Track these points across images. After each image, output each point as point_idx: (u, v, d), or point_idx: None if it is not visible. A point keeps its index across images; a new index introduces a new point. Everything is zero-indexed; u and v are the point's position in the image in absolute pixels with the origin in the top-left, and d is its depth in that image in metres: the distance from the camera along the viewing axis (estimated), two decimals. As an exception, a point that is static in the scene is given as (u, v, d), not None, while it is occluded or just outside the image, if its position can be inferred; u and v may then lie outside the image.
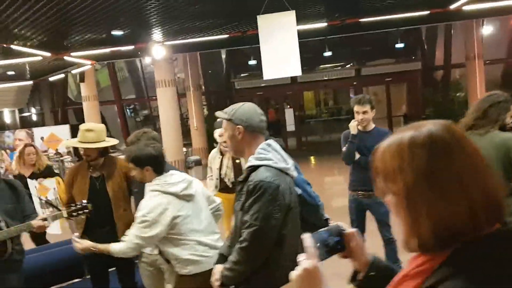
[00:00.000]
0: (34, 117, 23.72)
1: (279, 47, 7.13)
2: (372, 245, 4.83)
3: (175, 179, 2.78)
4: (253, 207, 2.00)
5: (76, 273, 4.17)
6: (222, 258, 2.28)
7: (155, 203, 2.69)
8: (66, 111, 20.81)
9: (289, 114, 16.46)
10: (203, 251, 2.81)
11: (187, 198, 2.80)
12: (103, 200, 3.41)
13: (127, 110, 20.88)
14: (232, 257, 2.05)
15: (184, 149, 13.11)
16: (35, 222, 2.96)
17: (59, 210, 3.23)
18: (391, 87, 16.13)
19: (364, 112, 4.17)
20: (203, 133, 14.67)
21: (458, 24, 17.90)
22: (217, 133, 4.52)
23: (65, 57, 11.56)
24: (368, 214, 4.34)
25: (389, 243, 4.25)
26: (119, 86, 19.27)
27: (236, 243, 2.10)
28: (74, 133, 17.65)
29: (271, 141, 2.19)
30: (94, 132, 3.41)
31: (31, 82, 18.11)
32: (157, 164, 2.77)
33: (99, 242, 3.39)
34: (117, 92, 18.92)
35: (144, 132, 3.28)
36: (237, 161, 5.09)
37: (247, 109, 2.17)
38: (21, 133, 16.84)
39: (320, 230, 1.16)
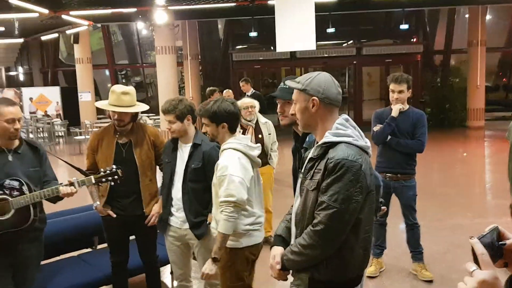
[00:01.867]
0: (21, 77, 22.94)
1: (295, 19, 6.87)
2: (393, 229, 4.78)
3: (250, 142, 2.75)
4: (332, 187, 1.81)
5: (86, 243, 4.01)
6: (279, 240, 2.10)
7: (238, 163, 2.65)
8: (56, 73, 20.16)
9: (286, 90, 16.21)
10: (256, 223, 2.75)
11: (257, 165, 2.76)
12: (129, 168, 3.19)
13: (119, 75, 20.34)
14: (302, 240, 1.87)
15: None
16: (63, 188, 2.73)
17: (86, 175, 2.99)
18: (390, 69, 15.98)
19: (400, 92, 3.98)
20: (198, 103, 14.38)
21: (461, 10, 17.75)
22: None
23: (63, 16, 11.03)
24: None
25: (412, 228, 4.15)
26: (113, 50, 18.69)
27: (302, 225, 1.92)
28: (65, 95, 17.16)
29: (347, 116, 1.99)
30: (129, 95, 3.17)
31: (21, 40, 17.40)
32: (233, 121, 2.77)
33: (123, 213, 3.26)
34: (111, 56, 18.36)
35: (180, 100, 3.03)
36: (260, 136, 4.89)
37: (323, 79, 1.96)
38: (10, 92, 16.20)
39: (484, 233, 1.03)
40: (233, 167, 2.64)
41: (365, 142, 1.94)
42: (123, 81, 20.93)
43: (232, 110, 2.74)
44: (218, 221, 2.68)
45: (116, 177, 2.91)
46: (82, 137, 12.69)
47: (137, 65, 20.12)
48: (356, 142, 1.89)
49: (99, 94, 18.56)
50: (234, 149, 2.71)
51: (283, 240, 2.09)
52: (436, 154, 10.12)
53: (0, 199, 2.65)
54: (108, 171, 2.90)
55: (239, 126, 4.02)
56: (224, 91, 7.64)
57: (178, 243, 3.17)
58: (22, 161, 2.79)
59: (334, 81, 1.98)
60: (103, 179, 2.89)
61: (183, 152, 3.08)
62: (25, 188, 2.68)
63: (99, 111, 17.08)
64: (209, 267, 2.66)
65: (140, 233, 3.37)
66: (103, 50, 18.65)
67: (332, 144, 1.88)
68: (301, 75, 2.16)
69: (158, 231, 3.35)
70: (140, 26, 18.10)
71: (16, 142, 2.80)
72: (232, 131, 2.78)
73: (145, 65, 19.49)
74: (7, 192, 2.66)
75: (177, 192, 3.07)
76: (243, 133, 4.48)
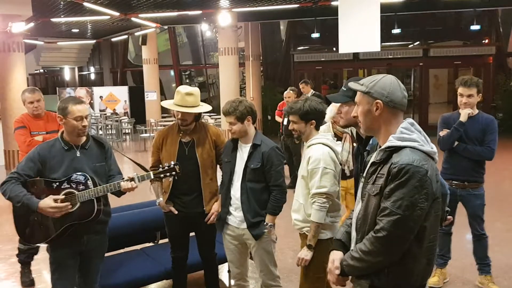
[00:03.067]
0: (93, 76, 24.30)
1: (359, 20, 6.74)
2: (459, 240, 4.55)
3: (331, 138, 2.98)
4: (395, 193, 1.76)
5: (149, 237, 4.15)
6: (339, 245, 2.07)
7: (329, 157, 2.81)
8: (125, 73, 21.14)
9: (347, 92, 15.93)
10: (339, 216, 2.92)
11: (339, 159, 2.93)
12: (192, 166, 3.29)
13: (183, 75, 20.96)
14: (363, 246, 1.83)
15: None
16: (124, 183, 2.85)
17: (146, 170, 3.11)
18: (459, 71, 15.22)
19: (469, 96, 3.78)
20: (258, 103, 14.49)
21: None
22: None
23: (132, 18, 11.55)
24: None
25: (479, 239, 3.93)
26: (178, 51, 19.30)
27: (363, 230, 1.88)
28: (132, 94, 17.96)
29: (412, 120, 1.92)
30: (193, 96, 3.26)
31: (93, 41, 18.43)
32: (320, 119, 2.95)
33: (185, 210, 3.35)
34: (176, 57, 18.97)
35: (240, 102, 3.08)
36: (355, 144, 4.78)
37: (388, 82, 1.91)
38: (82, 91, 17.31)
39: None
40: (325, 160, 2.80)
41: (431, 147, 1.86)
42: (187, 81, 21.55)
43: (320, 109, 2.92)
44: (307, 211, 2.84)
45: (173, 172, 3.00)
46: (147, 134, 13.21)
47: (200, 66, 20.61)
48: (422, 147, 1.82)
49: (164, 94, 19.24)
50: (323, 144, 2.85)
51: (342, 245, 2.06)
52: (507, 161, 9.52)
53: (68, 193, 2.81)
54: (166, 167, 3.00)
55: (333, 134, 3.98)
56: (285, 92, 7.64)
57: (236, 242, 3.21)
58: (89, 156, 2.94)
59: (399, 84, 1.92)
60: (162, 175, 3.00)
61: (243, 152, 3.12)
62: (90, 182, 2.83)
63: (164, 110, 17.69)
64: (304, 253, 2.84)
65: (200, 230, 3.45)
66: (169, 51, 19.30)
67: (396, 149, 1.82)
68: (364, 76, 2.14)
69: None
70: (204, 28, 18.49)
71: (84, 138, 2.96)
72: (318, 128, 2.95)
73: (208, 65, 19.92)
74: (74, 186, 2.82)
75: (236, 191, 3.12)
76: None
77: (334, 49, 15.78)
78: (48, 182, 2.83)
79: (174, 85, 20.60)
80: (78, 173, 2.84)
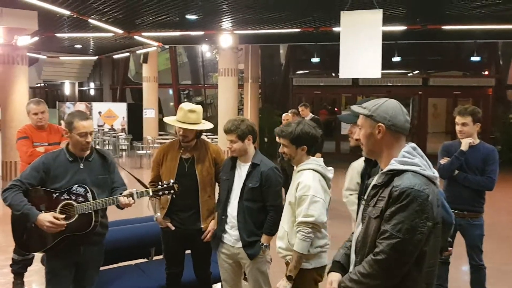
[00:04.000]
0: (92, 92, 24.38)
1: (361, 46, 6.84)
2: (456, 270, 4.52)
3: (323, 164, 2.83)
4: (396, 217, 1.76)
5: (143, 253, 4.12)
6: (338, 267, 2.07)
7: (319, 184, 2.72)
8: (125, 90, 21.26)
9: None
10: (326, 245, 2.79)
11: (329, 187, 2.81)
12: (190, 183, 3.30)
13: (182, 94, 21.08)
14: (362, 269, 1.83)
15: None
16: (122, 199, 2.88)
17: (146, 186, 3.13)
18: (458, 102, 15.40)
19: (464, 124, 3.82)
20: (256, 124, 14.56)
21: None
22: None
23: (135, 36, 11.68)
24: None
25: (477, 270, 3.90)
26: (178, 70, 19.46)
27: (362, 253, 1.89)
28: (130, 111, 18.01)
29: (415, 145, 1.95)
30: (196, 113, 3.30)
31: (95, 58, 18.57)
32: (313, 145, 2.82)
33: (182, 226, 3.34)
34: (175, 76, 19.13)
35: (242, 121, 3.12)
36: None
37: (391, 106, 1.94)
38: (81, 106, 17.40)
39: None
40: (315, 188, 2.69)
41: (433, 172, 1.89)
42: (185, 100, 21.66)
43: (313, 134, 2.80)
44: (291, 240, 2.72)
45: (172, 191, 3.02)
46: (144, 151, 13.22)
47: (199, 86, 20.76)
48: (424, 171, 1.84)
49: (162, 112, 19.30)
50: (314, 170, 2.75)
51: (341, 267, 2.06)
52: (505, 193, 9.55)
53: (67, 204, 2.84)
54: (165, 185, 3.03)
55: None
56: (284, 114, 7.70)
57: (230, 261, 3.20)
58: (92, 169, 2.98)
59: (402, 109, 1.96)
60: (160, 192, 3.02)
61: (241, 171, 3.14)
62: (89, 195, 2.86)
63: (161, 128, 17.73)
64: (283, 284, 2.69)
65: (196, 248, 3.44)
66: (169, 70, 19.47)
67: (398, 172, 1.84)
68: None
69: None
70: (204, 49, 18.74)
71: (88, 151, 3.00)
72: (309, 153, 2.83)
73: (206, 86, 20.08)
74: (73, 197, 2.85)
75: (232, 210, 3.12)
76: None
77: (333, 74, 15.94)
78: (48, 192, 2.86)
79: (172, 103, 20.70)
80: (78, 185, 2.86)
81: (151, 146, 13.49)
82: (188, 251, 3.52)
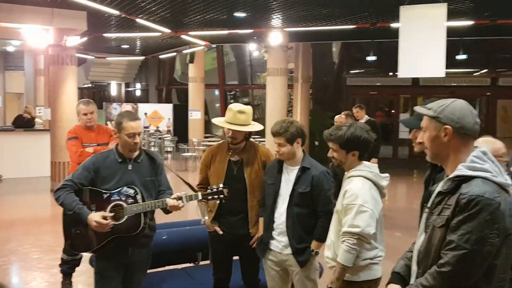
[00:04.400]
0: (138, 93, 25.23)
1: (422, 43, 6.69)
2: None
3: (377, 171, 2.75)
4: (463, 226, 1.71)
5: (190, 257, 4.21)
6: (397, 278, 2.04)
7: (369, 193, 2.65)
8: (170, 90, 21.83)
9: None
10: (377, 257, 2.72)
11: (383, 196, 2.75)
12: (239, 186, 3.34)
13: (228, 95, 21.38)
14: (425, 281, 1.79)
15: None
16: (171, 201, 2.97)
17: (195, 190, 3.21)
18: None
19: None
20: (306, 128, 14.44)
21: None
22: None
23: (182, 36, 11.98)
24: None
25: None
26: (224, 70, 19.75)
27: (425, 264, 1.85)
28: (176, 112, 18.47)
29: (485, 149, 1.89)
30: (245, 114, 3.35)
31: (141, 58, 19.20)
32: (365, 150, 2.76)
33: (229, 231, 3.39)
34: (222, 76, 19.41)
35: (291, 123, 3.13)
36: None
37: (459, 107, 1.88)
38: (127, 107, 18.03)
39: None
40: (364, 197, 2.63)
41: (505, 179, 1.82)
42: (231, 101, 21.95)
43: (365, 138, 2.73)
44: (337, 250, 2.69)
45: (221, 196, 3.08)
46: (189, 154, 13.51)
47: (246, 86, 20.95)
48: (495, 178, 1.78)
49: (207, 113, 19.66)
50: (365, 177, 2.70)
51: (401, 279, 2.04)
52: None
53: (117, 205, 2.96)
54: (214, 189, 3.09)
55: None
56: (336, 117, 7.64)
57: (278, 268, 3.21)
58: (140, 170, 3.09)
59: (471, 110, 1.89)
60: (209, 197, 3.09)
61: (289, 175, 3.14)
62: (139, 196, 2.97)
63: (207, 129, 18.05)
64: None
65: (244, 254, 3.47)
66: (215, 70, 19.80)
67: (466, 178, 1.79)
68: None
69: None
70: (252, 48, 18.88)
71: (137, 152, 3.11)
72: (361, 159, 2.77)
73: (254, 86, 20.23)
74: (123, 199, 2.97)
75: (280, 215, 3.13)
76: None
77: (391, 73, 15.65)
78: (98, 193, 3.00)
79: (218, 105, 21.02)
80: (128, 186, 2.98)
81: (196, 148, 13.77)
82: (236, 257, 3.56)
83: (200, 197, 3.08)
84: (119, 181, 3.00)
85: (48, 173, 9.87)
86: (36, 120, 13.02)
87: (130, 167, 3.06)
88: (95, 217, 2.87)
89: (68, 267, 4.51)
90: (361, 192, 2.65)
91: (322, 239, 3.03)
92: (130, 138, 2.98)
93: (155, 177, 3.15)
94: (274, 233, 3.17)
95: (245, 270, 3.53)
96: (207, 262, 4.13)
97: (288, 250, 3.10)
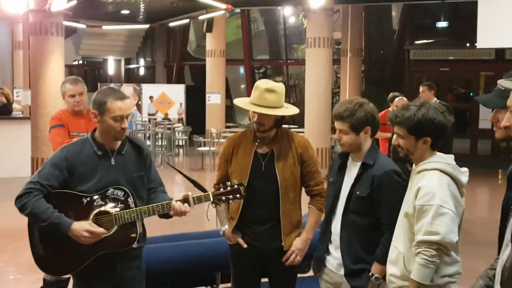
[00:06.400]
0: (142, 71, 25.56)
1: (508, 4, 6.50)
2: None
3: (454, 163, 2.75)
4: None
5: (205, 279, 4.22)
6: None
7: (448, 191, 2.65)
8: (183, 68, 22.02)
9: (485, 105, 15.36)
10: (457, 274, 2.72)
11: (463, 195, 2.75)
12: (269, 186, 3.34)
13: (256, 74, 21.41)
14: None
15: (332, 135, 12.99)
16: (176, 204, 2.96)
17: (204, 190, 3.21)
18: None
19: None
20: (377, 112, 14.36)
21: None
22: None
23: (198, -4, 12.03)
24: None
25: None
26: (251, 42, 19.78)
27: (511, 283, 1.81)
28: (190, 96, 18.60)
29: None
30: (276, 94, 3.32)
31: (146, 26, 19.40)
32: (439, 136, 2.75)
33: (256, 244, 3.39)
34: (248, 49, 19.46)
35: (360, 105, 3.05)
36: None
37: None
38: (128, 89, 18.26)
39: None
40: (443, 195, 2.63)
41: None
42: (261, 81, 21.97)
43: (441, 121, 2.71)
44: (408, 265, 2.69)
45: (237, 195, 3.07)
46: (206, 148, 13.58)
47: (279, 62, 20.96)
48: None
49: (230, 97, 19.75)
50: (441, 171, 2.70)
51: None
52: None
53: (102, 212, 2.94)
54: (228, 188, 3.08)
55: None
56: (397, 99, 7.54)
57: None
58: (126, 164, 3.08)
59: None
60: (222, 197, 3.08)
61: (351, 173, 3.15)
62: (130, 200, 2.96)
63: (229, 117, 18.10)
64: None
65: (275, 273, 3.46)
66: (240, 42, 19.86)
67: None
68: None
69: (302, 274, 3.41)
70: (287, 13, 18.82)
71: (119, 142, 3.08)
72: (434, 148, 2.77)
73: (290, 62, 20.19)
74: (110, 203, 2.94)
75: (337, 224, 3.14)
76: None
77: (468, 44, 15.36)
78: (77, 197, 2.95)
79: (243, 86, 21.10)
80: (115, 187, 2.96)
81: (215, 142, 13.83)
82: (265, 279, 3.56)
83: (211, 198, 3.08)
84: (100, 181, 2.97)
85: (28, 172, 10.05)
86: (14, 105, 13.27)
87: (113, 161, 3.03)
88: (84, 225, 2.84)
89: (52, 290, 4.58)
90: (439, 189, 2.63)
91: (386, 260, 2.97)
92: (117, 122, 2.94)
93: (144, 172, 3.14)
94: (331, 247, 3.19)
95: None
96: (228, 285, 4.14)
97: (343, 271, 3.10)
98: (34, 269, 5.56)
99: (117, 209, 2.93)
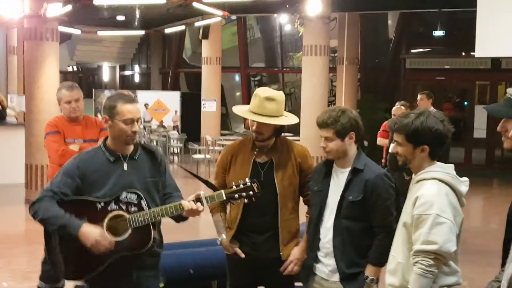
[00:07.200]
0: (137, 78, 25.52)
1: (505, 14, 6.54)
2: None
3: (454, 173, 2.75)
4: None
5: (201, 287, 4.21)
6: None
7: (446, 200, 2.65)
8: (178, 75, 21.99)
9: (480, 113, 15.39)
10: (457, 284, 2.70)
11: (462, 205, 2.74)
12: (267, 196, 3.30)
13: (252, 81, 21.43)
14: None
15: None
16: (187, 204, 2.94)
17: (215, 188, 3.18)
18: None
19: None
20: (360, 118, 14.38)
21: None
22: None
23: (194, 3, 12.03)
24: None
25: None
26: (247, 49, 19.78)
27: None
28: (185, 103, 18.57)
29: None
30: (276, 102, 3.31)
31: (141, 32, 19.37)
32: (438, 146, 2.75)
33: (255, 253, 3.38)
34: (244, 57, 19.48)
35: (343, 112, 3.08)
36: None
37: None
38: (123, 96, 18.19)
39: None
40: (441, 205, 2.62)
41: None
42: (256, 88, 21.97)
43: (440, 131, 2.70)
44: (407, 275, 2.68)
45: (251, 192, 3.03)
46: (201, 156, 13.56)
47: (275, 70, 20.97)
48: None
49: (225, 104, 19.74)
50: (440, 180, 2.69)
51: None
52: None
53: (116, 216, 2.94)
54: (241, 185, 3.03)
55: None
56: (394, 108, 7.55)
57: None
58: (139, 170, 3.08)
59: None
60: (236, 195, 3.03)
61: (339, 179, 3.14)
62: (143, 202, 2.96)
63: (224, 125, 18.09)
64: None
65: (273, 283, 3.45)
66: (236, 49, 19.86)
67: None
68: (505, 93, 2.08)
69: (300, 283, 3.40)
70: (283, 20, 18.85)
71: (131, 147, 3.10)
72: (433, 157, 2.76)
73: (286, 70, 20.21)
74: (124, 207, 2.95)
75: (327, 231, 3.13)
76: None
77: (464, 53, 15.43)
78: (91, 203, 2.97)
79: (239, 93, 21.10)
80: (129, 191, 2.97)
81: (211, 149, 13.81)
82: (262, 287, 3.54)
83: (224, 197, 3.03)
84: (114, 186, 2.99)
85: (22, 179, 10.02)
86: (8, 111, 13.23)
87: (125, 166, 3.05)
88: (95, 231, 2.85)
89: (46, 298, 4.54)
90: (437, 198, 2.63)
91: (380, 262, 3.01)
92: (128, 126, 2.97)
93: (158, 177, 3.15)
94: (320, 254, 3.17)
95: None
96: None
97: (336, 276, 3.09)
98: (28, 276, 5.62)
99: (131, 212, 2.94)
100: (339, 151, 3.09)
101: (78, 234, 2.86)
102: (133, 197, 2.96)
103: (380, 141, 8.15)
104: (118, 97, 3.06)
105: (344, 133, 3.05)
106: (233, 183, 3.12)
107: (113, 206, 2.95)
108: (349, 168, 3.10)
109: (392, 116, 7.63)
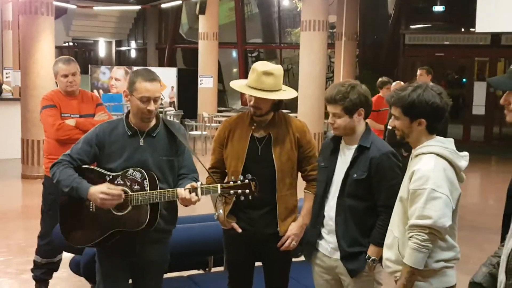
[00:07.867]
0: (133, 53, 25.39)
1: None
2: None
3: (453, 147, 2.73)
4: None
5: (199, 263, 4.24)
6: None
7: (443, 175, 2.62)
8: (175, 50, 21.88)
9: (479, 90, 15.39)
10: (454, 259, 2.70)
11: (462, 180, 2.73)
12: (265, 171, 3.30)
13: (249, 57, 21.33)
14: None
15: (325, 120, 12.99)
16: (182, 192, 2.95)
17: (215, 181, 3.17)
18: None
19: None
20: (369, 93, 14.37)
21: None
22: None
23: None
24: None
25: None
26: (245, 25, 19.67)
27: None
28: (182, 79, 18.52)
29: None
30: (274, 77, 3.27)
31: (137, 7, 19.25)
32: (435, 119, 2.72)
33: (251, 229, 3.38)
34: (241, 32, 19.38)
35: (352, 87, 3.03)
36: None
37: None
38: (119, 71, 18.15)
39: None
40: (437, 179, 2.60)
41: None
42: (254, 65, 21.89)
43: (436, 104, 2.67)
44: (402, 249, 2.68)
45: (247, 191, 3.02)
46: (198, 132, 13.56)
47: (273, 46, 20.90)
48: None
49: (222, 81, 19.68)
50: (437, 154, 2.67)
51: None
52: None
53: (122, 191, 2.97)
54: (239, 182, 3.03)
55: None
56: (394, 84, 7.53)
57: (327, 276, 3.21)
58: (155, 147, 3.11)
59: None
60: (231, 191, 3.03)
61: (346, 156, 3.12)
62: (146, 182, 2.97)
63: (221, 101, 18.04)
64: None
65: (270, 259, 3.46)
66: (233, 24, 19.77)
67: None
68: (505, 69, 2.06)
69: (303, 257, 3.41)
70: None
71: (152, 123, 3.12)
72: (431, 131, 2.74)
73: (283, 45, 20.12)
74: (128, 184, 2.99)
75: (331, 208, 3.12)
76: None
77: (463, 29, 15.36)
78: (100, 174, 3.05)
79: (236, 69, 21.03)
80: (135, 169, 3.01)
81: (207, 126, 13.80)
82: (259, 263, 3.55)
83: (219, 191, 3.04)
84: (128, 160, 3.04)
85: (18, 153, 10.03)
86: (4, 87, 13.19)
87: (141, 142, 3.09)
88: (101, 187, 2.91)
89: (42, 273, 4.56)
90: (434, 173, 2.61)
91: (382, 242, 2.97)
92: (143, 104, 2.99)
93: (175, 157, 3.17)
94: (323, 231, 3.17)
95: (271, 279, 3.51)
96: (221, 268, 4.16)
97: (338, 255, 3.10)
98: (24, 250, 5.65)
99: (133, 189, 2.98)
100: (347, 128, 3.06)
101: (87, 195, 2.93)
102: (137, 175, 3.00)
103: (372, 123, 8.07)
104: (139, 73, 3.07)
105: (352, 109, 3.02)
106: (232, 177, 3.13)
107: (119, 181, 3.01)
108: (356, 145, 3.09)
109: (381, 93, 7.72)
